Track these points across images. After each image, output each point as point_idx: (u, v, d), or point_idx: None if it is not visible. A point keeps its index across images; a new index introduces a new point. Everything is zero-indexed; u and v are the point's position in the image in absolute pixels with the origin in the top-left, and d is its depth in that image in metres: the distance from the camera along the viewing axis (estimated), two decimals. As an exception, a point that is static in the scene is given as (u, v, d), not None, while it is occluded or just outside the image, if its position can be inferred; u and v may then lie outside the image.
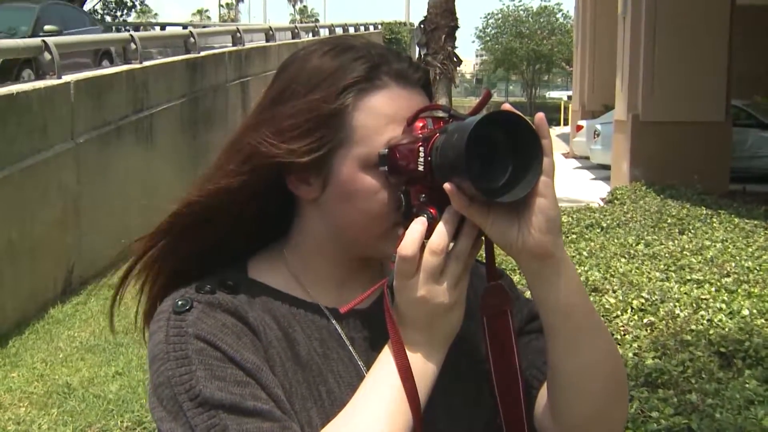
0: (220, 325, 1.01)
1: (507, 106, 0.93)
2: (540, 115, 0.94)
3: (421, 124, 1.02)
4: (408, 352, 0.99)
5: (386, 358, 1.00)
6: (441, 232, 0.97)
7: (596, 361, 1.02)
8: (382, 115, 1.03)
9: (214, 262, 1.11)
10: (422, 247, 0.97)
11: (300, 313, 1.09)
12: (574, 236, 8.17)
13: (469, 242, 0.99)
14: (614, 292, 5.66)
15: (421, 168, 0.97)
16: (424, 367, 1.00)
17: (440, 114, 1.03)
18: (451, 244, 0.98)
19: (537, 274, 0.97)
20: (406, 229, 0.98)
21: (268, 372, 1.00)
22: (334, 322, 1.09)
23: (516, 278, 5.47)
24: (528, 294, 1.08)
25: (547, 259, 0.96)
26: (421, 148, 0.97)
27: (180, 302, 1.02)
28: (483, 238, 1.00)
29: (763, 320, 5.01)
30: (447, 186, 0.93)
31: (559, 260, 0.97)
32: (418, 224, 0.97)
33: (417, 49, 11.07)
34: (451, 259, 0.98)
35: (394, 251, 0.98)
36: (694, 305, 5.29)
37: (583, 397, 1.03)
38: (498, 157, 0.93)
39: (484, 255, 1.06)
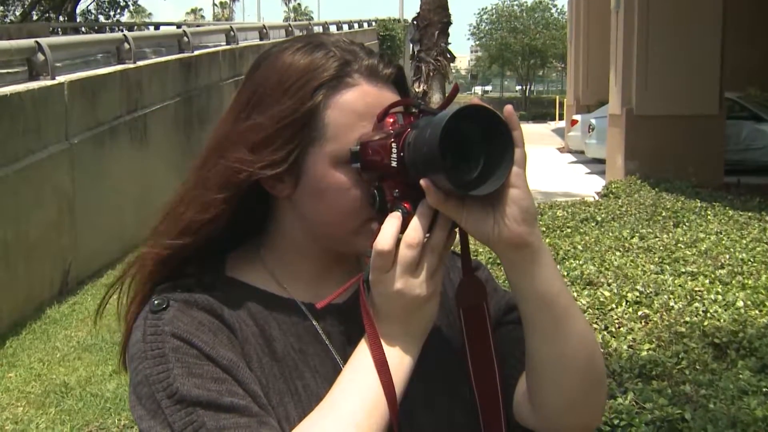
0: (197, 322, 1.01)
1: (476, 100, 0.94)
2: (509, 107, 0.95)
3: (391, 120, 1.02)
4: (384, 346, 1.00)
5: (363, 351, 1.01)
6: (416, 226, 0.98)
7: (574, 348, 1.02)
8: (352, 111, 1.04)
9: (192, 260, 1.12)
10: (397, 241, 0.98)
11: (276, 309, 1.09)
12: (569, 230, 8.18)
13: (444, 234, 1.00)
14: (609, 285, 5.68)
15: (394, 164, 0.98)
16: (400, 360, 1.01)
17: (411, 109, 1.03)
18: (427, 235, 0.99)
19: (514, 263, 0.98)
20: (381, 224, 0.99)
21: (244, 368, 1.01)
22: (310, 317, 1.10)
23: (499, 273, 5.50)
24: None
25: (523, 248, 0.97)
26: (393, 144, 0.98)
27: (156, 301, 1.03)
28: (457, 229, 1.01)
29: (756, 311, 5.03)
30: (423, 182, 0.94)
31: (536, 249, 0.97)
32: (394, 219, 0.98)
33: (410, 45, 11.06)
34: (427, 251, 0.99)
35: (369, 246, 0.99)
36: (689, 297, 5.31)
37: (561, 385, 1.04)
38: (470, 151, 0.94)
39: (460, 247, 1.07)
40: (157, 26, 29.14)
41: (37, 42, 8.38)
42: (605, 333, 4.80)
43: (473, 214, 0.96)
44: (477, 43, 54.43)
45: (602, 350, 4.24)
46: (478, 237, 0.97)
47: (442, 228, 0.99)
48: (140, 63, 10.68)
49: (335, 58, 1.05)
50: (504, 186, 0.94)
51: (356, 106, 1.04)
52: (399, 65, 1.11)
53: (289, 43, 1.10)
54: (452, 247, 1.05)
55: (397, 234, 0.98)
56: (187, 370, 0.97)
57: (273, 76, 1.06)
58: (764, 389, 3.83)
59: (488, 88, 70.14)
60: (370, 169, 1.01)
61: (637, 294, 5.40)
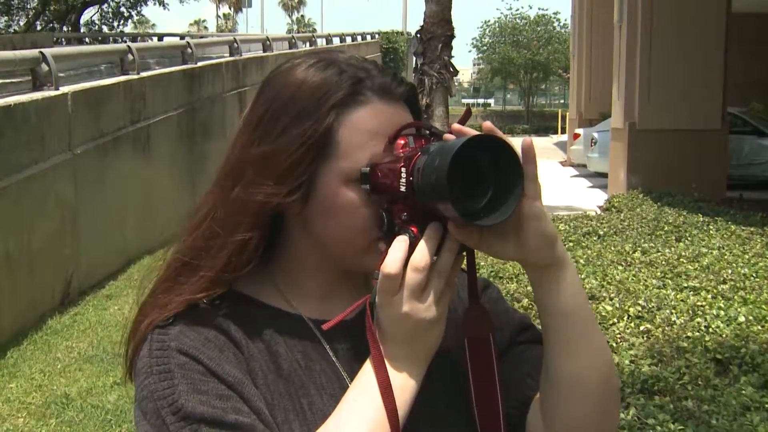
0: (203, 338, 1.01)
1: (487, 125, 0.93)
2: (527, 140, 0.94)
3: (402, 142, 1.02)
4: (389, 368, 1.00)
5: (368, 373, 1.00)
6: (423, 249, 0.97)
7: (591, 365, 1.03)
8: (364, 130, 1.03)
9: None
10: (404, 264, 0.97)
11: (283, 325, 1.09)
12: (571, 244, 8.18)
13: (451, 258, 0.99)
14: (611, 299, 5.68)
15: (402, 188, 0.97)
16: (405, 383, 1.00)
17: (422, 131, 1.03)
18: (434, 258, 0.99)
19: (538, 280, 1.00)
20: (388, 245, 0.99)
21: (250, 385, 1.00)
22: (317, 334, 1.09)
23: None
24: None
25: (547, 269, 0.98)
26: (402, 169, 0.97)
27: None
28: (464, 253, 1.01)
29: (759, 327, 5.02)
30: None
31: (560, 267, 0.99)
32: (401, 242, 0.98)
33: (414, 58, 11.07)
34: (434, 275, 0.98)
35: (377, 266, 0.99)
36: (691, 312, 5.30)
37: (576, 402, 1.03)
38: (479, 180, 0.93)
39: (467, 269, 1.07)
40: (160, 37, 29.23)
41: (41, 52, 8.40)
42: (607, 348, 4.79)
43: (493, 243, 0.97)
44: (479, 56, 54.48)
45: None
46: (501, 259, 0.99)
47: (450, 251, 0.99)
48: (144, 74, 10.69)
49: (348, 76, 1.05)
50: (523, 219, 0.94)
51: (368, 124, 1.04)
52: (412, 84, 1.11)
53: (301, 59, 1.09)
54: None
55: (405, 257, 0.97)
56: (193, 386, 0.97)
57: (285, 92, 1.05)
58: (767, 405, 3.82)
59: (490, 101, 70.08)
60: (379, 192, 1.01)
61: (639, 309, 5.40)
